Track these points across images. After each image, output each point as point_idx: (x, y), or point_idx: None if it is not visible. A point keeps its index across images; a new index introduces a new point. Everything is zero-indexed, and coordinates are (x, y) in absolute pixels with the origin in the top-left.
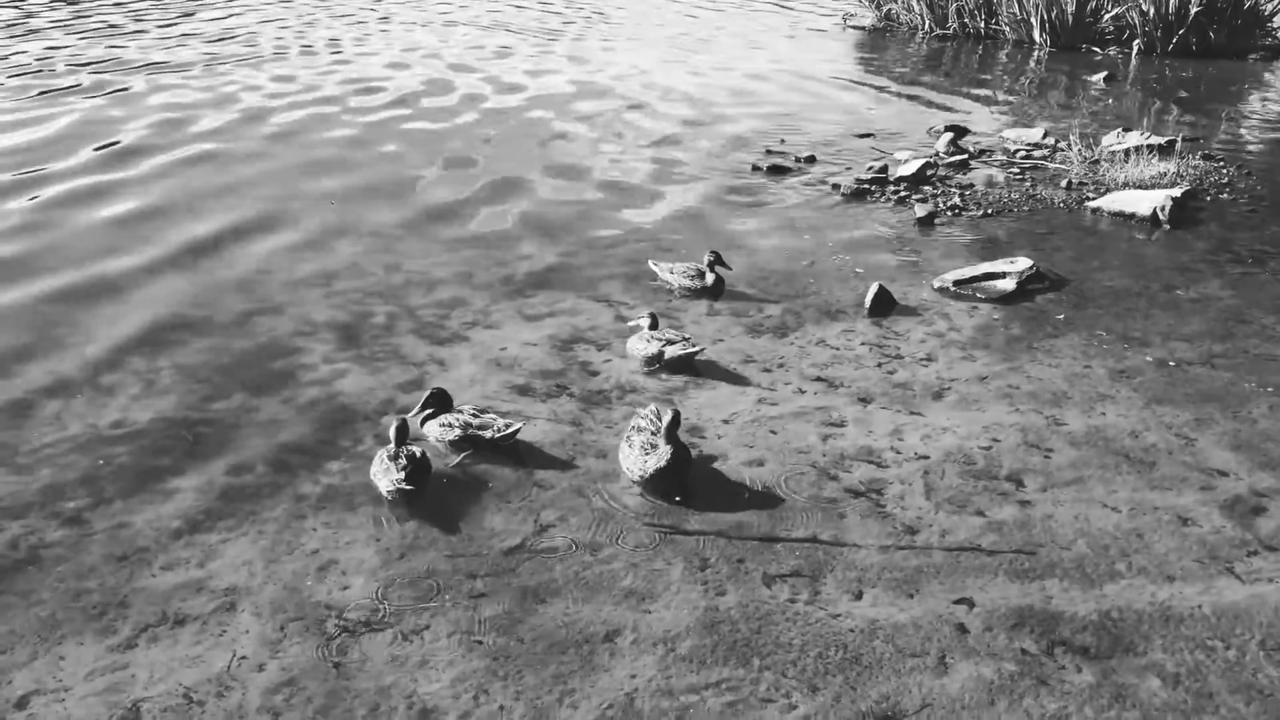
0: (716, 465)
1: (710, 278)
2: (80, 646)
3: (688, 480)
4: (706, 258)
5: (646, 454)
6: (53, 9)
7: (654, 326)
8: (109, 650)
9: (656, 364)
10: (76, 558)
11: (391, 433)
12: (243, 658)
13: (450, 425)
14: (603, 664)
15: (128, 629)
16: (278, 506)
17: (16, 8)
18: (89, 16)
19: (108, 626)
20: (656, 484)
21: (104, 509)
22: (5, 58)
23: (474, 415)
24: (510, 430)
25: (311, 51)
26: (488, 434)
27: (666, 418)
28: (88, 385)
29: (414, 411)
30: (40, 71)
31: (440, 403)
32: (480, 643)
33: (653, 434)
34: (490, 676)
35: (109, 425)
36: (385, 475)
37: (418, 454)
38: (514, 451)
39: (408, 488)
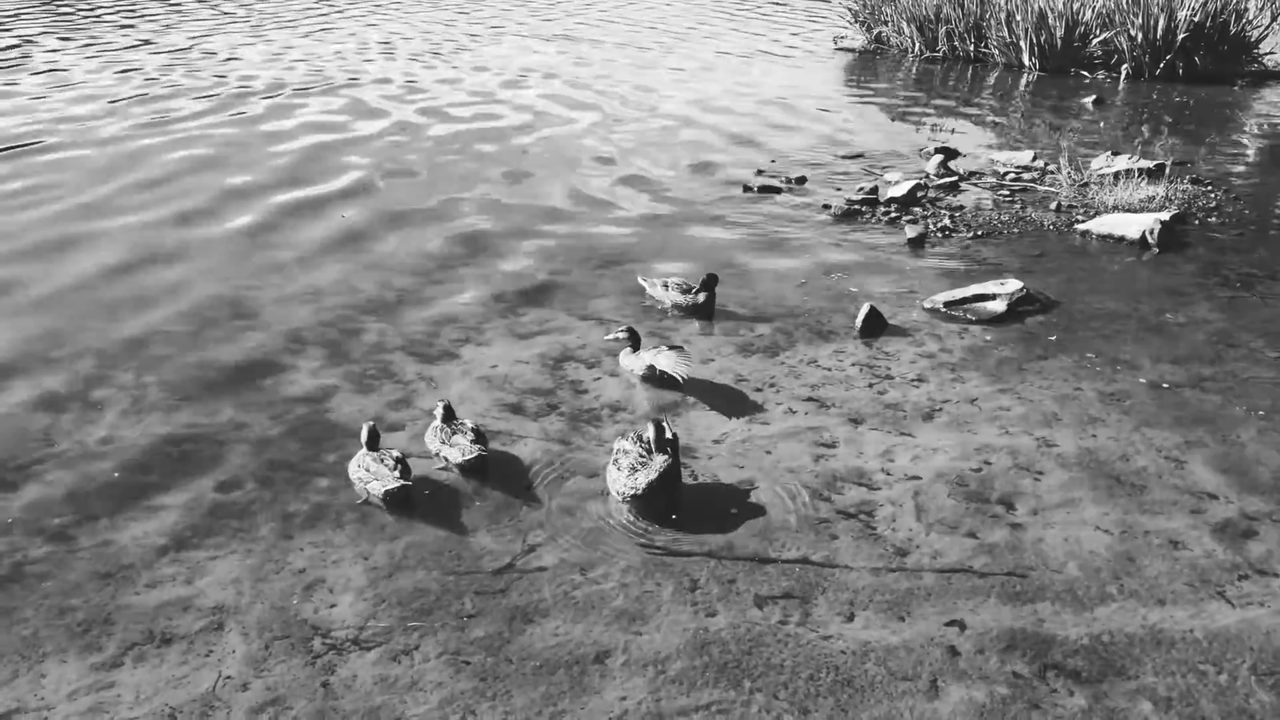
0: (707, 485)
1: (702, 296)
2: (64, 665)
3: (680, 496)
4: (701, 279)
5: (636, 471)
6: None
7: (633, 339)
8: (93, 669)
9: (649, 371)
10: (61, 575)
11: (364, 436)
12: (229, 677)
13: (435, 432)
14: (592, 685)
15: (113, 647)
16: (265, 524)
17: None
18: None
19: (92, 644)
20: (649, 501)
21: (89, 526)
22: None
23: (455, 431)
24: (471, 457)
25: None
26: (454, 459)
27: (651, 430)
28: (75, 401)
29: (440, 418)
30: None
31: (448, 415)
32: (469, 663)
33: (640, 455)
34: (479, 697)
35: (96, 441)
36: (378, 480)
37: (398, 454)
38: (504, 470)
39: (408, 483)
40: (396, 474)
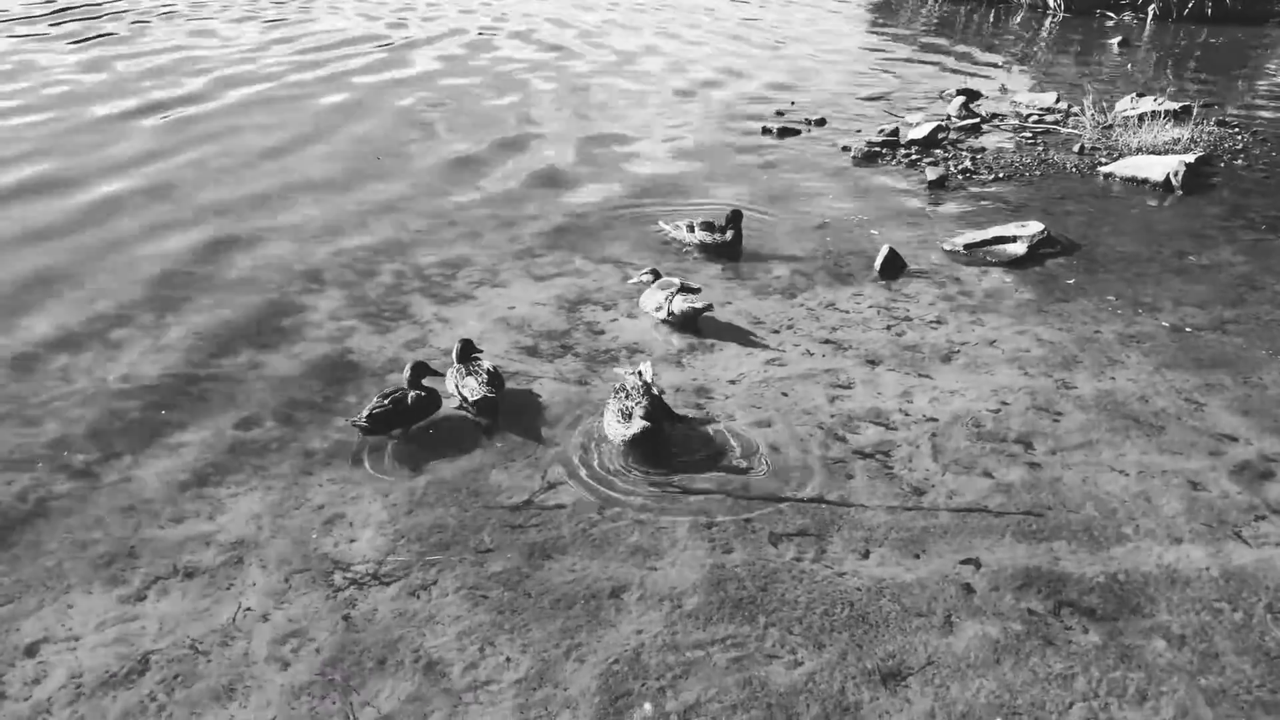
0: (723, 425)
1: (730, 233)
2: (89, 597)
3: (662, 451)
4: (725, 216)
5: (619, 422)
6: None
7: (657, 280)
8: (118, 601)
9: (667, 313)
10: (85, 509)
11: (405, 373)
12: (249, 610)
13: (451, 373)
14: (609, 619)
15: (136, 580)
16: (285, 461)
17: None
18: None
19: (116, 577)
20: (633, 450)
21: (112, 462)
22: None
23: (470, 373)
24: (478, 398)
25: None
26: (466, 397)
27: (639, 421)
28: (96, 340)
29: (455, 357)
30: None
31: (462, 354)
32: (486, 597)
33: (627, 398)
34: (497, 630)
35: (117, 379)
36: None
37: (398, 395)
38: (521, 410)
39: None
40: (397, 407)
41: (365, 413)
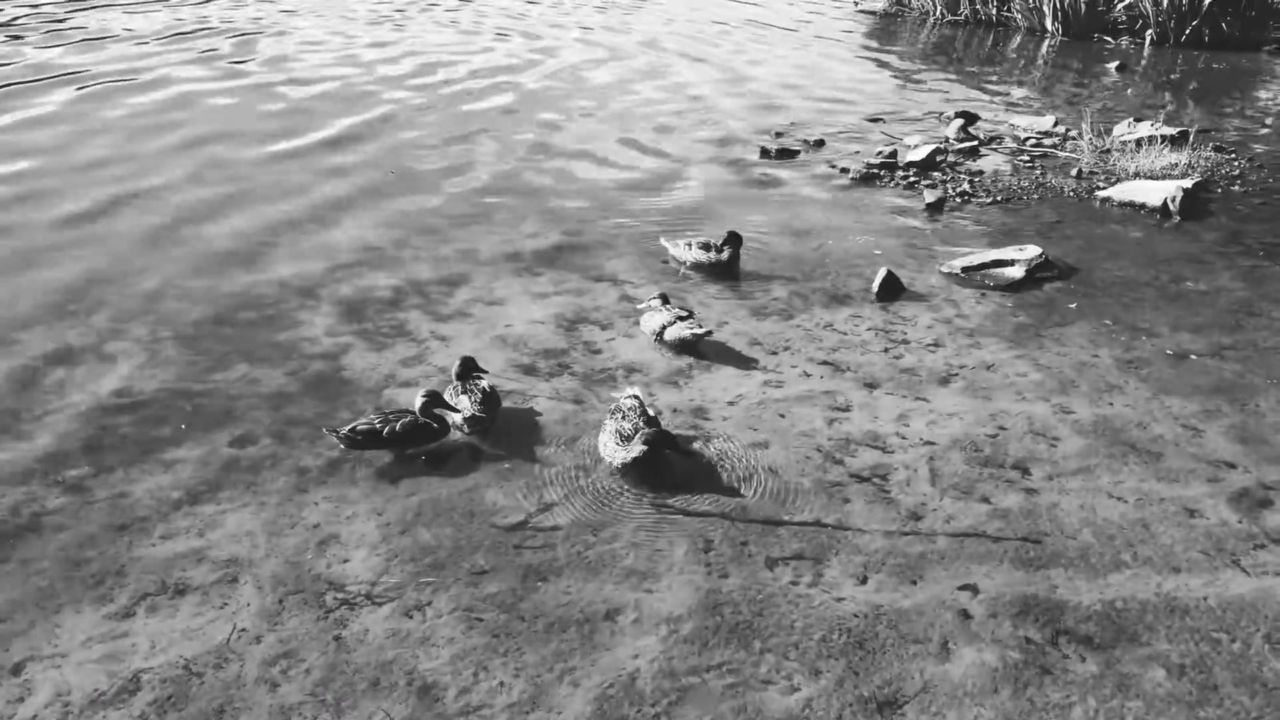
0: (720, 447)
1: (726, 252)
2: (79, 615)
3: (659, 473)
4: (723, 236)
5: (618, 444)
6: None
7: (666, 305)
8: (107, 619)
9: (673, 338)
10: (76, 526)
11: (418, 404)
12: (243, 630)
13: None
14: (604, 643)
15: (127, 598)
16: (279, 479)
17: None
18: None
19: (106, 595)
20: (630, 473)
21: (105, 478)
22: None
23: (464, 391)
24: (467, 416)
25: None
26: (455, 420)
27: (638, 445)
28: (91, 354)
29: (454, 375)
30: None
31: (461, 372)
32: (481, 619)
33: (624, 420)
34: (491, 653)
35: (111, 394)
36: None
37: (390, 416)
38: (517, 429)
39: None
40: (384, 431)
41: (349, 427)
